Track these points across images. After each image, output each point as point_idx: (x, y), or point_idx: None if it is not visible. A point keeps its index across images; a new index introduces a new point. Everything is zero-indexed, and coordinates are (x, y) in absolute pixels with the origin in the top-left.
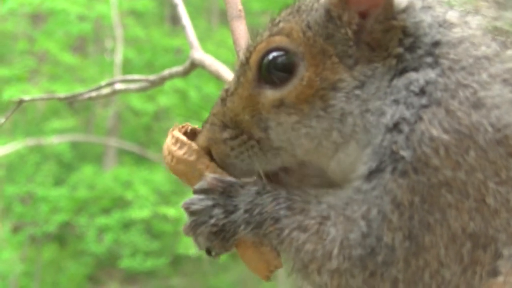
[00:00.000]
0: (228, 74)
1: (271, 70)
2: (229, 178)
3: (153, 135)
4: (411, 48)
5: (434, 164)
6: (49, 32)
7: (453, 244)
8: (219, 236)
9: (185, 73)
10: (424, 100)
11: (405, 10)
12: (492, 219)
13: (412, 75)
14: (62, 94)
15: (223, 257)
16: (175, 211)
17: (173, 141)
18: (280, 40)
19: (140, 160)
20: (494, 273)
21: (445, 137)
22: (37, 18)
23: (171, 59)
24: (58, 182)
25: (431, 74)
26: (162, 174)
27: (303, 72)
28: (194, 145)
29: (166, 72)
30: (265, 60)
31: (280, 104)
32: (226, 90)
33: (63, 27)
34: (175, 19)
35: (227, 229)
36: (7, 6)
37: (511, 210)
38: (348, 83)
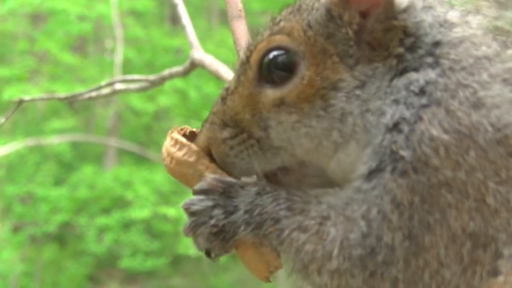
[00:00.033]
0: (228, 74)
1: (271, 69)
2: (229, 179)
3: (153, 135)
4: (411, 48)
5: (434, 164)
6: (49, 32)
7: (453, 244)
8: (219, 237)
9: (185, 73)
10: (424, 100)
11: (406, 10)
12: (492, 219)
13: (413, 75)
14: (62, 94)
15: (223, 258)
16: (175, 211)
17: (172, 143)
18: (280, 39)
19: (140, 160)
20: (495, 272)
21: (445, 137)
22: (37, 18)
23: (171, 59)
24: (58, 182)
25: (432, 74)
26: (162, 174)
27: (304, 71)
28: (193, 146)
29: (166, 72)
30: (266, 59)
31: (280, 103)
32: (227, 89)
33: (63, 27)
34: (175, 19)
35: (227, 230)
36: (7, 6)
37: (511, 209)
38: (349, 83)
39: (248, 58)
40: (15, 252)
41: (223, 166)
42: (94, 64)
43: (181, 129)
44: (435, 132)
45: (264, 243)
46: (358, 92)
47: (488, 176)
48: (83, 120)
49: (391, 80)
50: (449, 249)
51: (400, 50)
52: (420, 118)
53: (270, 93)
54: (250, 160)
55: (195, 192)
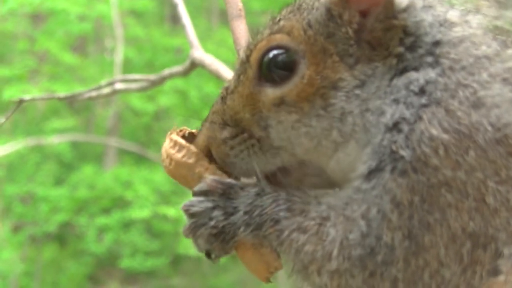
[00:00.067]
0: (228, 74)
1: (271, 68)
2: (229, 180)
3: (153, 135)
4: (411, 48)
5: (433, 164)
6: (49, 32)
7: (453, 244)
8: (219, 238)
9: (185, 73)
10: (424, 100)
11: (406, 9)
12: (492, 219)
13: (413, 74)
14: (62, 93)
15: (223, 258)
16: (175, 211)
17: (171, 145)
18: (281, 38)
19: (140, 160)
20: (495, 272)
21: (445, 136)
22: (37, 18)
23: (171, 58)
24: (58, 182)
25: (431, 73)
26: (162, 174)
27: (304, 71)
28: (192, 147)
29: (166, 71)
30: (266, 58)
31: (280, 103)
32: (226, 88)
33: (63, 27)
34: (175, 19)
35: (227, 231)
36: (8, 6)
37: (511, 209)
38: (349, 82)
39: (248, 57)
40: (15, 252)
41: (223, 166)
42: (94, 64)
43: (180, 131)
44: (435, 131)
45: (264, 244)
46: (358, 91)
47: (488, 176)
48: (83, 120)
49: (391, 79)
50: (449, 248)
51: (400, 49)
52: (420, 118)
53: (270, 92)
54: (250, 160)
55: (195, 194)
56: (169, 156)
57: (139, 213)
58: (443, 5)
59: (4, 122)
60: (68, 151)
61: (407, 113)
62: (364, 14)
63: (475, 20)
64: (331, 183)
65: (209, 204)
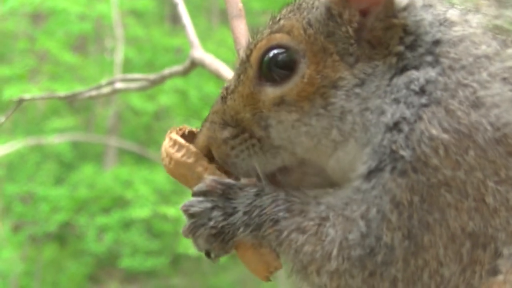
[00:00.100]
0: (228, 73)
1: (271, 67)
2: (228, 180)
3: (153, 134)
4: (411, 47)
5: (433, 164)
6: (49, 32)
7: (453, 244)
8: (218, 238)
9: (185, 72)
10: (424, 99)
11: (406, 8)
12: (492, 218)
13: (413, 73)
14: (62, 93)
15: (223, 258)
16: (175, 211)
17: (171, 144)
18: (281, 38)
19: (140, 159)
20: (494, 272)
21: (445, 136)
22: (37, 17)
23: (172, 58)
24: (58, 181)
25: (432, 73)
26: (162, 174)
27: (304, 70)
28: (192, 147)
29: (166, 71)
30: (266, 58)
31: (280, 102)
32: (227, 88)
33: (63, 26)
34: (175, 18)
35: (226, 231)
36: (8, 6)
37: (510, 209)
38: (349, 81)
39: (248, 56)
40: (15, 252)
41: (223, 166)
42: (94, 63)
43: (180, 129)
44: (434, 131)
45: (264, 244)
46: (358, 90)
47: (487, 176)
48: (83, 119)
49: (391, 78)
50: (449, 248)
51: (400, 48)
52: (420, 118)
53: (271, 92)
54: (251, 160)
55: (194, 194)
56: (168, 155)
57: (139, 212)
58: (443, 4)
59: (4, 121)
60: (68, 150)
61: (408, 113)
62: (364, 13)
63: (475, 19)
64: (331, 183)
65: (209, 205)
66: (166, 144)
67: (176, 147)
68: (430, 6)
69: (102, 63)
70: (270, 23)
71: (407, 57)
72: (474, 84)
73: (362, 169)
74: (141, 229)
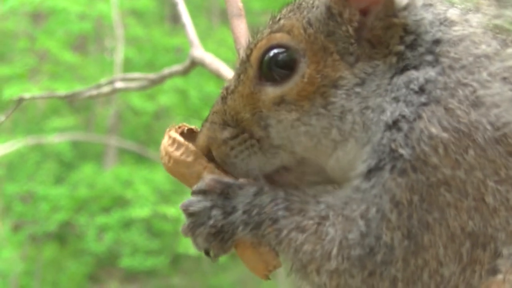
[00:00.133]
0: (228, 73)
1: (272, 67)
2: (227, 179)
3: (153, 134)
4: (412, 46)
5: (433, 163)
6: (49, 31)
7: (452, 243)
8: (217, 237)
9: (185, 72)
10: (423, 98)
11: (406, 7)
12: (491, 218)
13: (413, 73)
14: (62, 92)
15: (223, 257)
16: (175, 210)
17: (170, 142)
18: (281, 37)
19: (140, 159)
20: (494, 271)
21: (444, 135)
22: (38, 17)
23: (172, 58)
24: (58, 181)
25: (431, 72)
26: (162, 173)
27: (304, 69)
28: (191, 146)
29: (166, 70)
30: (266, 57)
31: (280, 101)
32: (227, 88)
33: (63, 26)
34: (175, 18)
35: (226, 230)
36: (8, 5)
37: (510, 208)
38: (349, 80)
39: (248, 56)
40: (15, 251)
41: (223, 166)
42: (94, 63)
43: (179, 127)
44: (434, 130)
45: (263, 243)
46: (358, 89)
47: (487, 175)
48: (83, 119)
49: (391, 77)
50: (448, 248)
51: (400, 47)
52: (420, 116)
53: (271, 91)
54: (251, 161)
55: (194, 193)
56: (167, 154)
57: (139, 212)
58: (444, 4)
59: (4, 120)
60: (68, 150)
61: (407, 111)
62: (364, 12)
63: (475, 19)
64: (331, 182)
65: (208, 204)
66: (165, 142)
67: (175, 145)
68: (430, 5)
69: (102, 62)
70: (270, 22)
71: (407, 56)
72: (474, 84)
73: (362, 168)
74: (141, 229)
